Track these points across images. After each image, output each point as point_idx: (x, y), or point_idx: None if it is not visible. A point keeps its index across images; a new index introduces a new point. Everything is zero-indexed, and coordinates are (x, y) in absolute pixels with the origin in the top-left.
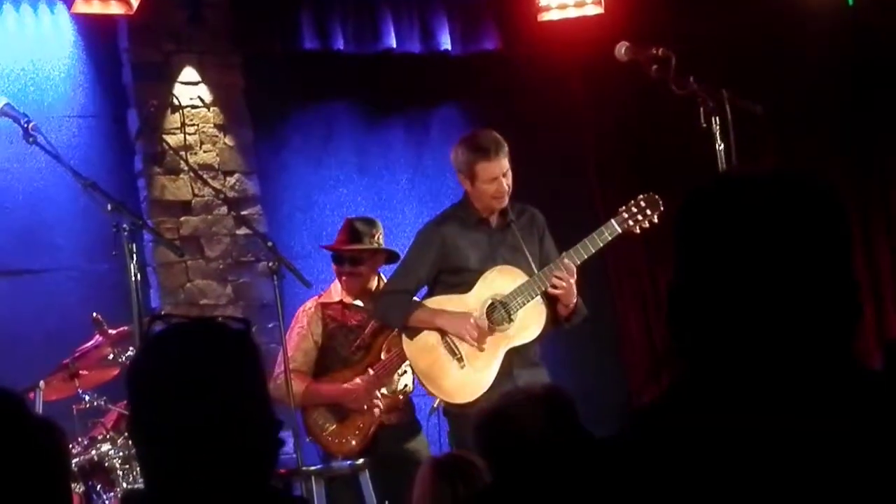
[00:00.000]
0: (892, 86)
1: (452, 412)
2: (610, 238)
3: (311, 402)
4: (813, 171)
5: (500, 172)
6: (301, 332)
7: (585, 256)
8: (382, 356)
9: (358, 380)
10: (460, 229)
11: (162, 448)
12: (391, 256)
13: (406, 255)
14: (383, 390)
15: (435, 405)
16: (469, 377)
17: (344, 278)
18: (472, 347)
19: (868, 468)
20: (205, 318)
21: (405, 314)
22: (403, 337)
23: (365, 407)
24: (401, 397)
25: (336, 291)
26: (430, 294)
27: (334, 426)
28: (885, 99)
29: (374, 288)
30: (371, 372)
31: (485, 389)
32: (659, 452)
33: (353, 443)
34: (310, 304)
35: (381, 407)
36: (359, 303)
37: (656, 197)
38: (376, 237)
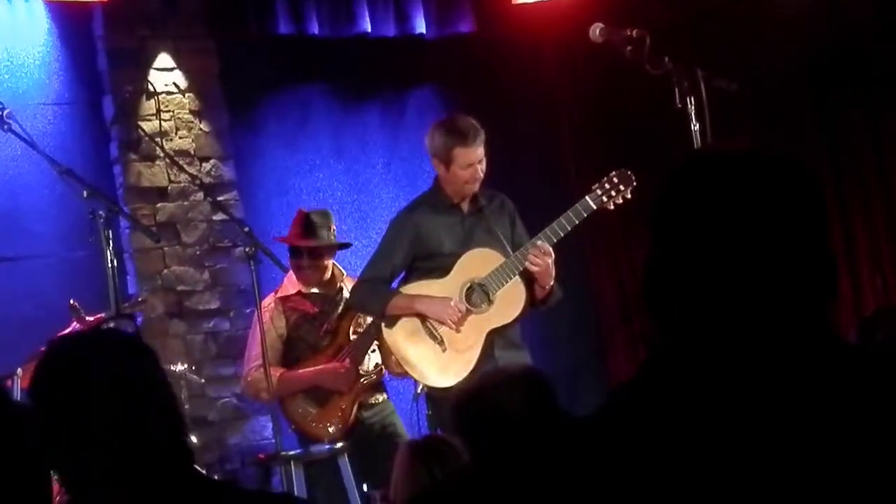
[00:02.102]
0: (864, 65)
1: (435, 395)
2: (585, 215)
3: (288, 390)
4: (787, 148)
5: (476, 159)
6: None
7: (562, 234)
8: (351, 338)
9: (333, 363)
10: (433, 215)
11: (78, 453)
12: (346, 248)
13: (380, 244)
14: (361, 370)
15: (419, 390)
16: (451, 360)
17: (301, 272)
18: (452, 331)
19: (845, 441)
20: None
21: (383, 302)
22: (383, 325)
23: (342, 387)
24: (374, 376)
25: (292, 284)
26: (406, 281)
27: (315, 411)
28: (857, 78)
29: (328, 276)
30: (347, 361)
31: (468, 372)
32: (636, 429)
33: (338, 426)
34: (268, 301)
35: (356, 384)
36: (316, 290)
37: (629, 172)
38: (332, 229)
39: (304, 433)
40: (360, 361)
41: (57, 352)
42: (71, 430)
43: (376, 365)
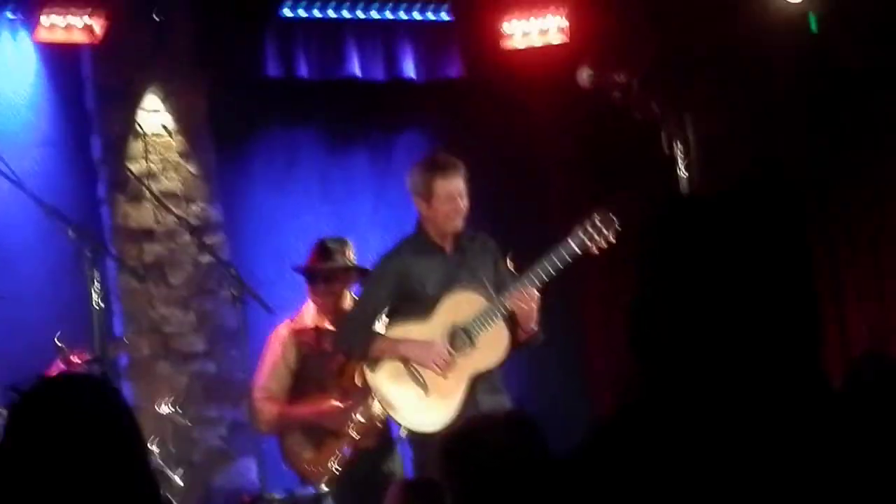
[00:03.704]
0: (854, 109)
1: (415, 439)
2: (568, 257)
3: (287, 427)
4: (773, 188)
5: (456, 191)
6: (274, 359)
7: (545, 278)
8: (357, 381)
9: (335, 402)
10: (416, 257)
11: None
12: (364, 273)
13: (363, 287)
14: (359, 416)
15: (402, 433)
16: (434, 405)
17: (318, 298)
18: (435, 375)
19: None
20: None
21: (367, 345)
22: (366, 368)
23: (341, 429)
24: (378, 423)
25: (309, 315)
26: (389, 323)
27: (311, 453)
28: (846, 122)
29: (347, 307)
30: (340, 404)
31: (450, 416)
32: (618, 468)
33: (331, 468)
34: (283, 330)
35: (357, 431)
36: (330, 326)
37: (610, 214)
38: (348, 255)
39: (297, 473)
40: (364, 405)
41: (28, 397)
42: (39, 471)
43: (379, 411)
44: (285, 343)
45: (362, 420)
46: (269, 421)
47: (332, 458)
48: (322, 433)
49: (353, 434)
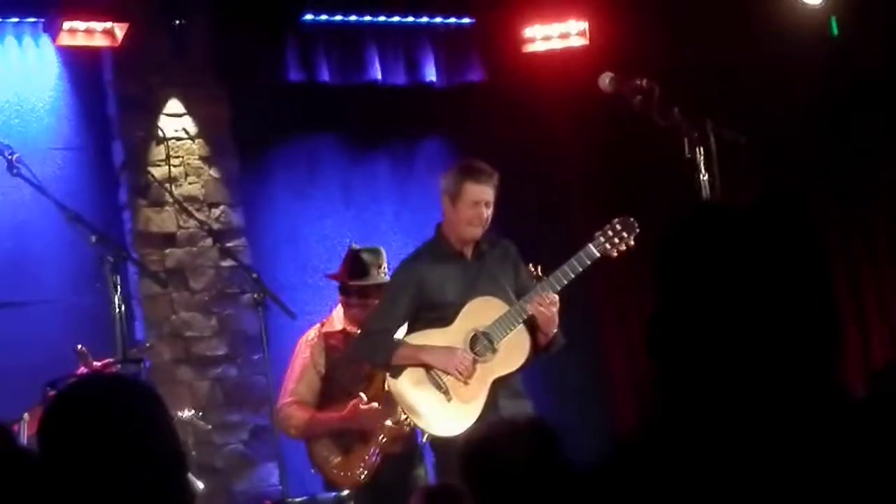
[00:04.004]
0: (875, 116)
1: (438, 445)
2: (588, 262)
3: (317, 432)
4: (792, 199)
5: (483, 199)
6: (304, 363)
7: (565, 282)
8: (386, 387)
9: (361, 404)
10: (435, 264)
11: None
12: None
13: (384, 295)
14: (388, 421)
15: (424, 439)
16: (456, 410)
17: (350, 309)
18: (457, 381)
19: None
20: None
21: (389, 353)
22: (388, 375)
23: (370, 432)
24: (406, 428)
25: (339, 319)
26: (410, 331)
27: (339, 458)
28: (868, 129)
29: None
30: (375, 405)
31: (472, 421)
32: (639, 482)
33: (359, 474)
34: (312, 334)
35: (386, 436)
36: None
37: (631, 219)
38: (382, 267)
39: (325, 478)
40: (392, 411)
41: (67, 395)
42: (76, 472)
43: (407, 417)
44: (314, 347)
45: (392, 426)
46: (298, 426)
47: (361, 464)
48: (350, 439)
49: (382, 440)
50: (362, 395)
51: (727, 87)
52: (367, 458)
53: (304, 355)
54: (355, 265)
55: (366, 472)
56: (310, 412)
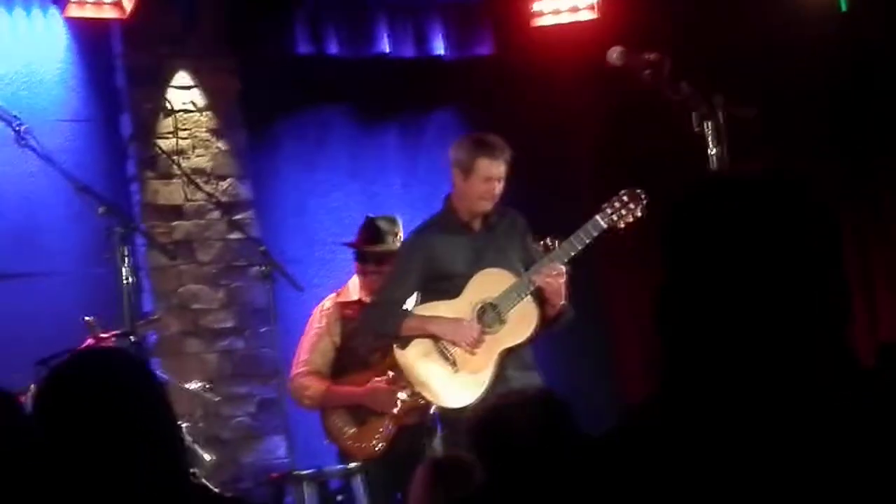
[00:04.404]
0: (885, 91)
1: (447, 416)
2: (595, 234)
3: (332, 404)
4: (801, 173)
5: (496, 175)
6: (319, 332)
7: (572, 254)
8: None
9: (378, 380)
10: (443, 236)
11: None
12: None
13: (392, 266)
14: (403, 394)
15: (432, 410)
16: (464, 381)
17: (366, 278)
18: (465, 352)
19: (860, 466)
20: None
21: (397, 324)
22: (395, 346)
23: (385, 409)
24: (421, 400)
25: (354, 289)
26: (418, 302)
27: (354, 429)
28: (877, 105)
29: None
30: (391, 374)
31: (480, 392)
32: (648, 452)
33: (374, 446)
34: (328, 304)
35: (402, 409)
36: None
37: (638, 191)
38: (398, 235)
39: (340, 449)
40: (408, 384)
41: (61, 372)
42: (74, 447)
43: None
44: (330, 316)
45: (407, 399)
46: (313, 397)
47: (377, 435)
48: (366, 410)
49: (398, 412)
50: (386, 374)
51: (737, 61)
52: (382, 429)
53: (320, 325)
54: (371, 232)
55: (382, 443)
56: (325, 384)
